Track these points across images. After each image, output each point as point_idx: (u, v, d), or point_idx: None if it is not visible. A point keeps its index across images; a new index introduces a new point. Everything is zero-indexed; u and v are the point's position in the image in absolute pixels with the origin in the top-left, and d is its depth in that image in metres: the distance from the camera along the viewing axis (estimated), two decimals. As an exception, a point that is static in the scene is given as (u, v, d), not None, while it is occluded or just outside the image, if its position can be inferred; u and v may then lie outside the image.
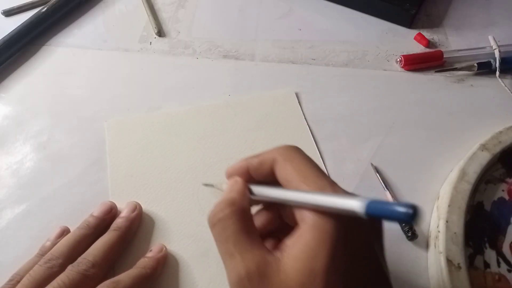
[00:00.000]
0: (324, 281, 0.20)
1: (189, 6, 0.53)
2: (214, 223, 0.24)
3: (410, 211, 0.17)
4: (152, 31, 0.50)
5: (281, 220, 0.27)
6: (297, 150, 0.26)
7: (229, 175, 0.28)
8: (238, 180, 0.27)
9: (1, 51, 0.45)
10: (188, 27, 0.50)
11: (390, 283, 0.23)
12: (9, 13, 0.51)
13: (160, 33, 0.49)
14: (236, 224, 0.24)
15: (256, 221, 0.27)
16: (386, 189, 0.37)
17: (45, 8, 0.49)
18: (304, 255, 0.21)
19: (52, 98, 0.43)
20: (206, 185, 0.35)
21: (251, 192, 0.27)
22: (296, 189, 0.23)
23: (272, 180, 0.26)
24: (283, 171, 0.25)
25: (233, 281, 0.22)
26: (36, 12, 0.49)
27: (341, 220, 0.21)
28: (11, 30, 0.46)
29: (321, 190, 0.22)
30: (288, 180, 0.24)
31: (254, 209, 0.28)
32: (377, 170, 0.38)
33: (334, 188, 0.22)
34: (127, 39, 0.49)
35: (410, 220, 0.17)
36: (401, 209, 0.18)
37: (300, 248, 0.21)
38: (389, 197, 0.36)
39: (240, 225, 0.24)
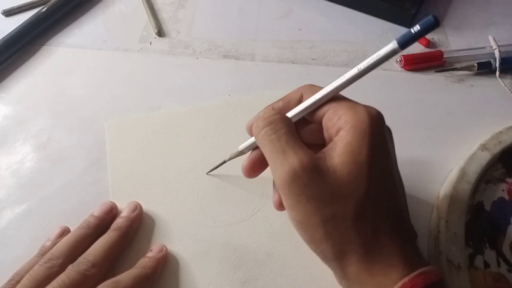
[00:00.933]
0: (368, 169, 0.24)
1: (189, 6, 0.53)
2: (264, 124, 0.26)
3: (431, 18, 0.21)
4: (152, 31, 0.50)
5: None
6: (320, 87, 0.28)
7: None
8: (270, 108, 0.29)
9: (1, 51, 0.45)
10: (188, 27, 0.50)
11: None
12: (9, 13, 0.51)
13: (160, 33, 0.49)
14: (288, 126, 0.26)
15: None
16: (386, 189, 0.37)
17: (45, 8, 0.49)
18: (349, 151, 0.24)
19: (52, 98, 0.43)
20: (216, 168, 0.35)
21: None
22: (328, 110, 0.26)
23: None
24: None
25: (286, 176, 0.24)
26: (36, 12, 0.49)
27: (372, 123, 0.25)
28: (11, 30, 0.46)
29: (352, 105, 0.26)
30: (319, 106, 0.27)
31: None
32: (377, 170, 0.38)
33: (361, 104, 0.26)
34: (127, 39, 0.49)
35: (435, 22, 0.21)
36: (422, 22, 0.22)
37: (343, 147, 0.24)
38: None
39: (290, 127, 0.26)
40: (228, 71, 0.46)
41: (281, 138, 0.25)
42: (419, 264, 0.24)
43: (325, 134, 0.27)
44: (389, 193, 0.25)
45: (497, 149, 0.38)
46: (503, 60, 0.45)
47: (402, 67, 0.46)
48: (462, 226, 0.33)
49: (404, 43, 0.23)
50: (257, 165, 0.30)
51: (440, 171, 0.38)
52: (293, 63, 0.47)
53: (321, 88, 0.27)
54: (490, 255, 0.34)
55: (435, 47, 0.49)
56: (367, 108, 0.25)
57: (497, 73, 0.45)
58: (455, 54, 0.47)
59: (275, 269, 0.32)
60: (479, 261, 0.34)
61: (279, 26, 0.51)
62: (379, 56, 0.24)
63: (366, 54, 0.48)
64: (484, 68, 0.45)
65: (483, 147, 0.38)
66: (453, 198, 0.35)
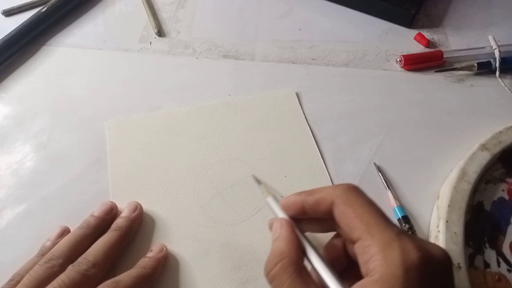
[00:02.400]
0: None
1: (189, 6, 0.53)
2: (271, 279, 0.24)
3: None
4: (152, 31, 0.50)
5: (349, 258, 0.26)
6: (356, 192, 0.25)
7: (283, 208, 0.28)
8: (284, 224, 0.26)
9: (1, 51, 0.45)
10: (188, 27, 0.50)
11: None
12: (9, 13, 0.51)
13: (160, 33, 0.49)
14: (290, 278, 0.23)
15: (325, 255, 0.27)
16: (388, 189, 0.37)
17: (45, 8, 0.49)
18: None
19: (52, 98, 0.43)
20: (256, 179, 0.34)
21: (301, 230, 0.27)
22: (359, 238, 0.23)
23: (330, 219, 0.25)
24: (344, 217, 0.24)
25: None
26: (36, 12, 0.49)
27: (408, 279, 0.20)
28: (11, 30, 0.46)
29: (386, 244, 0.21)
30: (351, 227, 0.23)
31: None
32: (379, 170, 0.38)
33: (401, 240, 0.21)
34: (127, 39, 0.49)
35: None
36: None
37: None
38: (390, 197, 0.36)
39: (294, 279, 0.23)
40: (228, 71, 0.46)
41: None
42: None
43: (360, 261, 0.23)
44: None
45: (497, 149, 0.38)
46: (503, 60, 0.45)
47: (402, 67, 0.46)
48: (462, 226, 0.33)
49: None
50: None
51: (440, 171, 0.38)
52: (293, 63, 0.47)
53: (359, 196, 0.24)
54: (490, 255, 0.34)
55: (435, 47, 0.49)
56: (406, 252, 0.20)
57: (497, 73, 0.45)
58: (455, 54, 0.47)
59: (275, 269, 0.32)
60: (479, 261, 0.34)
61: (279, 26, 0.51)
62: None
63: (366, 54, 0.48)
64: (484, 68, 0.45)
65: (483, 147, 0.38)
66: (453, 198, 0.35)
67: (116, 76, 0.45)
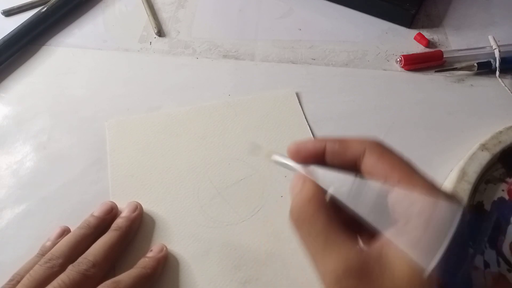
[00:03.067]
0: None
1: (189, 6, 0.53)
2: (301, 222, 0.23)
3: None
4: (152, 31, 0.50)
5: None
6: (387, 146, 0.24)
7: (296, 152, 0.26)
8: (307, 181, 0.24)
9: (1, 51, 0.45)
10: (188, 27, 0.50)
11: None
12: (9, 13, 0.51)
13: (160, 33, 0.49)
14: (324, 219, 0.22)
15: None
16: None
17: (45, 8, 0.49)
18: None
19: (52, 98, 0.43)
20: (254, 146, 0.33)
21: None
22: (400, 182, 0.22)
23: (348, 169, 0.23)
24: (379, 166, 0.23)
25: (328, 277, 0.21)
26: (36, 12, 0.49)
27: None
28: (11, 30, 0.46)
29: (430, 193, 0.21)
30: (388, 176, 0.22)
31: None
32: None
33: (436, 190, 0.21)
34: (127, 39, 0.49)
35: None
36: None
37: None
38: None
39: (327, 220, 0.22)
40: (228, 71, 0.46)
41: (318, 236, 0.22)
42: None
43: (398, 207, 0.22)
44: None
45: (497, 149, 0.38)
46: (503, 60, 0.45)
47: (402, 67, 0.46)
48: (462, 226, 0.33)
49: None
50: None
51: (440, 170, 0.38)
52: (293, 63, 0.47)
53: (391, 149, 0.24)
54: (490, 255, 0.34)
55: (435, 47, 0.49)
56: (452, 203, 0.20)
57: (497, 73, 0.45)
58: (455, 54, 0.47)
59: (275, 269, 0.32)
60: (479, 261, 0.34)
61: (279, 26, 0.51)
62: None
63: (366, 54, 0.48)
64: (484, 68, 0.45)
65: (483, 147, 0.38)
66: (453, 198, 0.35)
67: (116, 76, 0.45)
